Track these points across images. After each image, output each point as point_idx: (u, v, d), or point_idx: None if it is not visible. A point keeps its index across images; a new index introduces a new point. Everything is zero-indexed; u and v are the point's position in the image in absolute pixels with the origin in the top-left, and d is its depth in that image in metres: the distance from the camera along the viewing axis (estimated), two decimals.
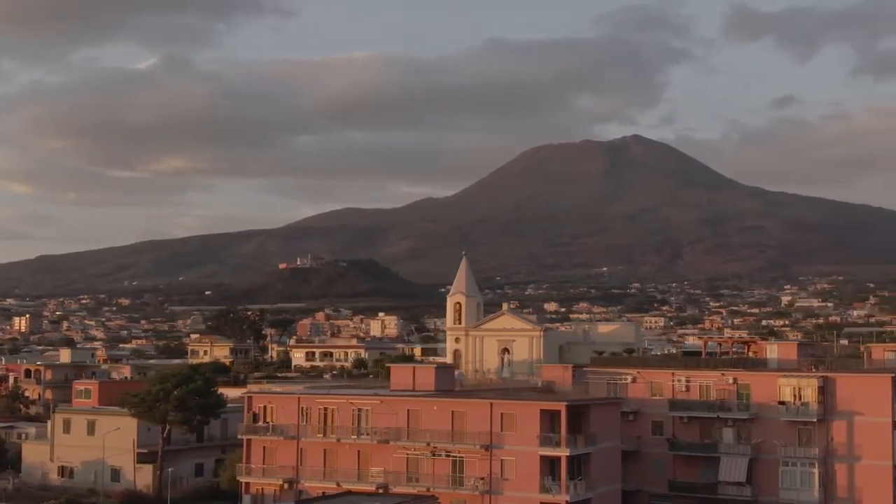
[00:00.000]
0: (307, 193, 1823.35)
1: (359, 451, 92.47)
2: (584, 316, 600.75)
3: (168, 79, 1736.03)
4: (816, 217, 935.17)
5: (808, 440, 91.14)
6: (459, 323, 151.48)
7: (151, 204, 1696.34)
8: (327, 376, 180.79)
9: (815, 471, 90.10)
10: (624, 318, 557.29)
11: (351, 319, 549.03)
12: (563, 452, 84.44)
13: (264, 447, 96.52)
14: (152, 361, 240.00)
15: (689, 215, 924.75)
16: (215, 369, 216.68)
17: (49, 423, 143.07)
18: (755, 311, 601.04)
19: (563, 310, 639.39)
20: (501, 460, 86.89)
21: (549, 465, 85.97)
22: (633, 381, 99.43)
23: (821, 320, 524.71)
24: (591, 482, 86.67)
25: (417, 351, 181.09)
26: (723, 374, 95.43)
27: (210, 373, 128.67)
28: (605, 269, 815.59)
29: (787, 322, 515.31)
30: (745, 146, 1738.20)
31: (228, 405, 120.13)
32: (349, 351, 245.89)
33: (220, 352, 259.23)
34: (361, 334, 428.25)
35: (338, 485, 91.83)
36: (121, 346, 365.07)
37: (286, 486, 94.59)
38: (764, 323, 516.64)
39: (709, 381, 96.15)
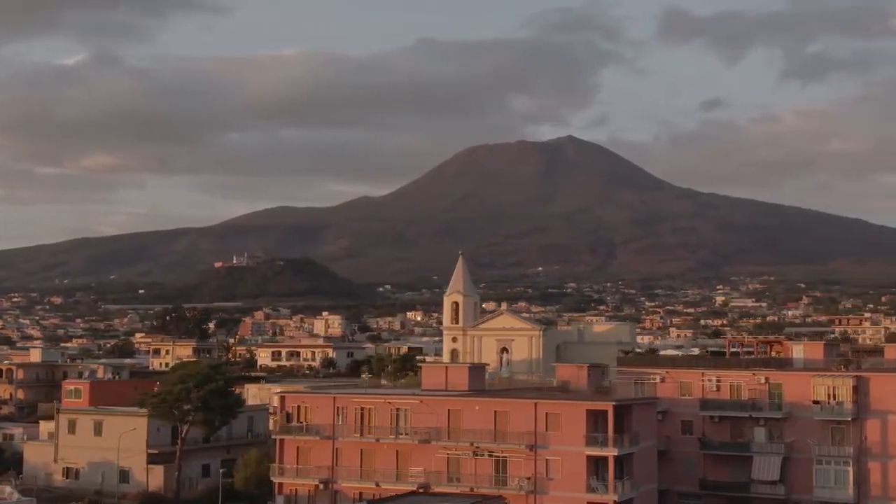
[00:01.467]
0: (239, 191, 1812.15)
1: (397, 451, 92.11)
2: (522, 315, 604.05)
3: (98, 74, 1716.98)
4: (747, 218, 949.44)
5: (841, 439, 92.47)
6: (457, 322, 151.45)
7: (81, 201, 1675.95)
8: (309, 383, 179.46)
9: (850, 469, 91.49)
10: (562, 317, 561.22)
11: (290, 319, 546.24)
12: (610, 452, 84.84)
13: (298, 447, 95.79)
14: (107, 361, 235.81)
15: (622, 216, 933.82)
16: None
17: (40, 424, 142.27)
18: (691, 310, 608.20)
19: (501, 309, 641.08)
20: (546, 460, 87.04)
21: (594, 465, 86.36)
22: (662, 380, 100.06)
23: (758, 320, 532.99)
24: (634, 482, 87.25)
25: (403, 349, 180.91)
26: (754, 374, 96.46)
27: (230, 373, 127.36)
28: (540, 268, 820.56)
29: (724, 322, 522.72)
30: (676, 148, 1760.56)
31: None
32: (316, 350, 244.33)
33: (183, 351, 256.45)
34: (305, 333, 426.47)
35: (376, 485, 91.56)
36: (62, 345, 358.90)
37: (321, 486, 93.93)
38: (703, 322, 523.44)
39: (740, 380, 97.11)
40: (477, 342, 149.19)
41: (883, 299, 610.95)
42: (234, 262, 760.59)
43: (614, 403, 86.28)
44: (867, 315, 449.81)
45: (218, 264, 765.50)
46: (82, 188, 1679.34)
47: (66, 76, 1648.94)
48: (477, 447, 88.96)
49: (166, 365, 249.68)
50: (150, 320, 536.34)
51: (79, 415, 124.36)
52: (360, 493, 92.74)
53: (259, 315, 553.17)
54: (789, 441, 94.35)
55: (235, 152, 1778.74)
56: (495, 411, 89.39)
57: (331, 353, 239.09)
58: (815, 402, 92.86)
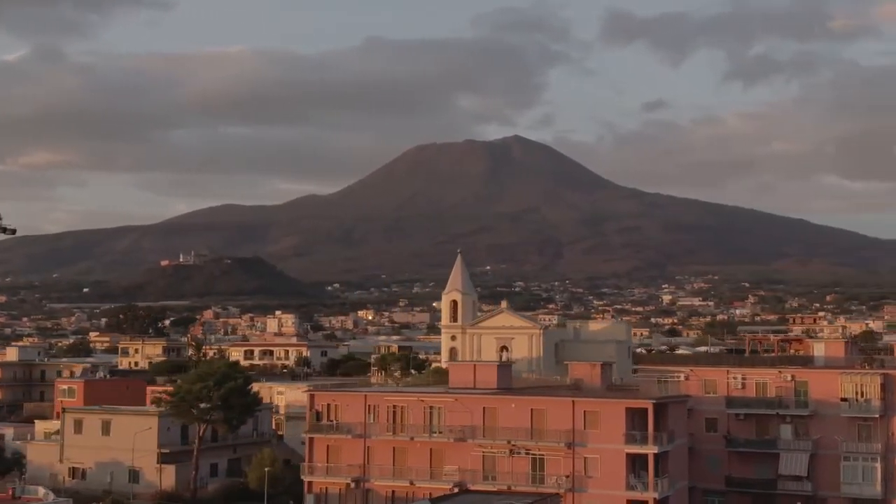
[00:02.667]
0: (183, 189, 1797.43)
1: (431, 450, 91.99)
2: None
3: (40, 70, 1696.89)
4: (691, 218, 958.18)
5: (868, 436, 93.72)
6: (455, 321, 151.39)
7: (22, 198, 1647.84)
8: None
9: (878, 465, 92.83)
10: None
11: (240, 318, 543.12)
12: (650, 450, 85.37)
13: (328, 446, 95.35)
14: (84, 360, 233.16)
15: (568, 215, 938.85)
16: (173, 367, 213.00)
17: (36, 424, 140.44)
18: (639, 309, 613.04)
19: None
20: (584, 458, 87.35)
21: (632, 463, 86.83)
22: (686, 378, 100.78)
23: (708, 318, 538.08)
24: (671, 479, 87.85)
25: (394, 349, 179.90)
26: (780, 372, 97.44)
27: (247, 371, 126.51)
28: (488, 267, 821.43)
29: (675, 320, 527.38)
30: (620, 148, 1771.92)
31: None
32: (290, 349, 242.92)
33: (153, 351, 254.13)
34: (258, 333, 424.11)
35: (411, 483, 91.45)
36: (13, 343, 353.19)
37: (352, 484, 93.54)
38: (653, 321, 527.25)
39: (765, 378, 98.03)
40: (476, 340, 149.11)
41: (828, 298, 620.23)
42: (181, 260, 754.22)
43: (654, 401, 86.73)
44: (821, 314, 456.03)
45: (164, 263, 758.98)
46: (23, 185, 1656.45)
47: (7, 72, 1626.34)
48: (513, 445, 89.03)
49: (135, 364, 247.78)
50: (97, 319, 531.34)
51: (85, 414, 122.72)
52: (393, 492, 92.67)
53: (208, 314, 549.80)
54: (815, 438, 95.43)
55: (180, 150, 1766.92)
56: (532, 409, 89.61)
57: (305, 352, 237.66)
58: (843, 400, 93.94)
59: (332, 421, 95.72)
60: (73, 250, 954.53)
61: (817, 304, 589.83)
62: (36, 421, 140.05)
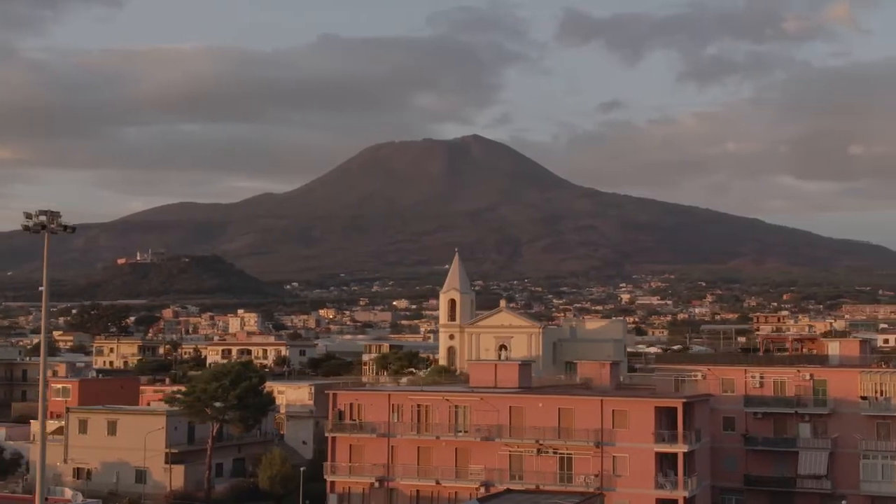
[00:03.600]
0: (139, 187, 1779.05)
1: (456, 449, 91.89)
2: (436, 313, 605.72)
3: None
4: (647, 218, 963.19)
5: (887, 434, 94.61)
6: (454, 320, 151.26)
7: None
8: None
9: None
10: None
11: (200, 316, 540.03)
12: (680, 449, 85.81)
13: (350, 445, 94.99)
14: (63, 359, 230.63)
15: (526, 214, 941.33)
16: (158, 367, 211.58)
17: (31, 424, 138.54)
18: (599, 308, 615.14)
19: (413, 307, 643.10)
20: (613, 457, 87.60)
21: (660, 462, 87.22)
22: (703, 377, 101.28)
23: (668, 317, 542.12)
24: (698, 478, 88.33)
25: (385, 348, 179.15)
26: (799, 371, 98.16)
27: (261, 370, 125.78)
28: (446, 266, 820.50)
29: (636, 319, 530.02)
30: (576, 148, 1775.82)
31: None
32: (268, 348, 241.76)
33: (128, 350, 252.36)
34: (219, 332, 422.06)
35: (437, 482, 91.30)
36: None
37: (376, 484, 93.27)
38: (613, 319, 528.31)
39: (783, 377, 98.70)
40: (475, 339, 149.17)
41: (785, 297, 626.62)
42: (139, 258, 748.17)
43: (684, 400, 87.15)
44: (784, 313, 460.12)
45: (121, 261, 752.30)
46: None
47: None
48: (541, 444, 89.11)
49: (110, 364, 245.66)
50: (55, 318, 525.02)
51: (90, 414, 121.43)
52: (418, 491, 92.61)
53: (167, 313, 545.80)
54: (834, 436, 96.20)
55: (134, 147, 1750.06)
56: (559, 408, 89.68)
57: (284, 351, 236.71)
58: (863, 398, 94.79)
59: (354, 420, 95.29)
60: (27, 248, 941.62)
61: (775, 303, 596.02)
62: (31, 421, 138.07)
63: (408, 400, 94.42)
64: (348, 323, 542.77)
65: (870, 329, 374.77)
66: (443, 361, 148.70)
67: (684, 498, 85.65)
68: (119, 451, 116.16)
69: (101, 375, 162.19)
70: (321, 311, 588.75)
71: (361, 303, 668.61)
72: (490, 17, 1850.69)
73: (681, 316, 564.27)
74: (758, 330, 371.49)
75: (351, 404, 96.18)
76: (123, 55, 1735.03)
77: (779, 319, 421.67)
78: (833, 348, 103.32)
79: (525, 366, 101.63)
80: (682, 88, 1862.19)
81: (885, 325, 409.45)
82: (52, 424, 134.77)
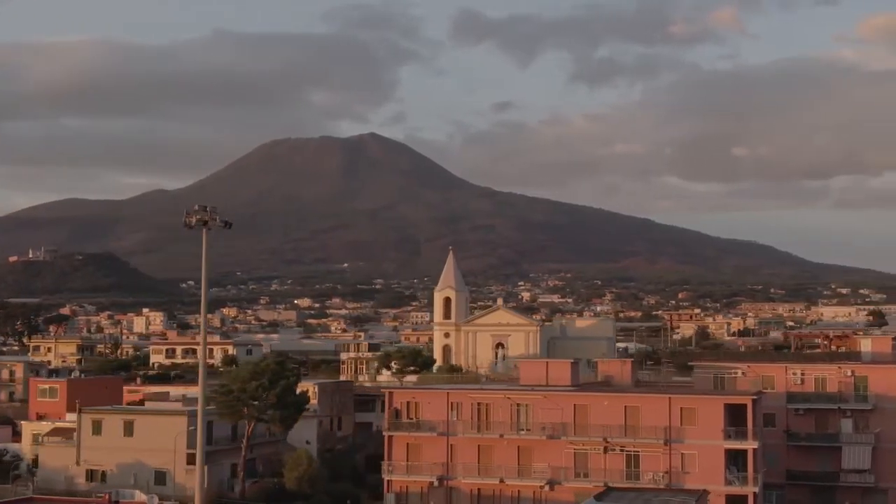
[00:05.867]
0: (22, 183, 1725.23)
1: (518, 447, 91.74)
2: (341, 311, 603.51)
3: None
4: (542, 217, 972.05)
5: None
6: (449, 318, 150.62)
7: None
8: None
9: None
10: (379, 313, 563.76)
11: (98, 315, 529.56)
12: (750, 445, 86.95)
13: (408, 444, 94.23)
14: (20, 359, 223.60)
15: (425, 213, 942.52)
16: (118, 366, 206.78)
17: (23, 425, 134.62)
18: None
19: (317, 306, 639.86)
20: (682, 454, 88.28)
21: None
22: (743, 374, 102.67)
23: (573, 315, 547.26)
24: (764, 474, 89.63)
25: (364, 347, 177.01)
26: (840, 368, 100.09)
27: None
28: (346, 265, 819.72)
29: (542, 317, 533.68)
30: (471, 147, 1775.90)
31: None
32: (215, 348, 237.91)
33: (66, 349, 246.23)
34: (125, 331, 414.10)
35: (500, 481, 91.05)
36: None
37: (436, 482, 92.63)
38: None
39: (825, 374, 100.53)
40: (472, 338, 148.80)
41: (680, 295, 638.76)
42: (31, 256, 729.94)
43: (754, 397, 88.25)
44: (697, 310, 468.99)
45: (13, 258, 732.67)
46: None
47: None
48: (608, 442, 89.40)
49: (48, 363, 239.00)
50: None
51: (105, 414, 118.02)
52: (479, 490, 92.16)
53: (65, 311, 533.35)
54: (877, 431, 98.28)
55: (19, 141, 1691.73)
56: (626, 406, 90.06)
57: (232, 350, 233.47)
58: None
59: (412, 419, 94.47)
60: None
61: (673, 302, 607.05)
62: (23, 423, 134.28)
63: (467, 398, 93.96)
64: (254, 322, 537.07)
65: (779, 327, 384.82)
66: (438, 360, 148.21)
67: (754, 493, 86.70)
68: (136, 452, 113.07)
69: (83, 375, 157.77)
70: (225, 310, 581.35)
71: (262, 301, 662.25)
72: (384, 14, 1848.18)
73: (587, 314, 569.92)
74: (677, 328, 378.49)
75: (408, 403, 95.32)
76: (9, 48, 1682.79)
77: (691, 317, 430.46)
78: (865, 345, 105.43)
79: (575, 364, 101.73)
80: (573, 90, 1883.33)
81: (792, 323, 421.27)
82: (45, 426, 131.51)
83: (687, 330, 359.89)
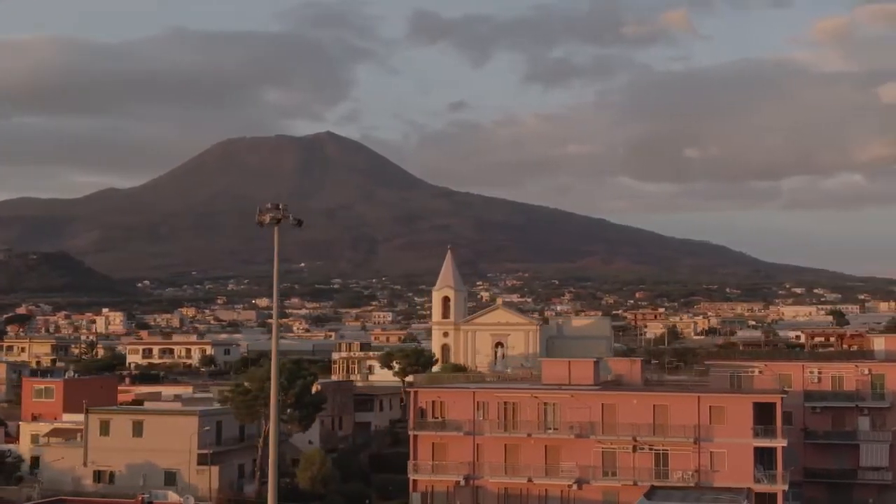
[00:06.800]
0: None
1: (546, 446, 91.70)
2: (301, 311, 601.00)
3: None
4: (499, 217, 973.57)
5: None
6: (448, 317, 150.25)
7: None
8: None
9: None
10: (338, 313, 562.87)
11: (55, 315, 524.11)
12: (780, 443, 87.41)
13: (433, 443, 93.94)
14: None
15: (382, 213, 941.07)
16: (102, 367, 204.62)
17: (20, 426, 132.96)
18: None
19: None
20: (711, 452, 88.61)
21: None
22: (760, 373, 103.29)
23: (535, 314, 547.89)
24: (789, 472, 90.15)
25: (355, 346, 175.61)
26: (857, 366, 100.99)
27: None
28: (303, 264, 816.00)
29: None
30: (427, 147, 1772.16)
31: None
32: (192, 348, 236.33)
33: (41, 349, 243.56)
34: (86, 331, 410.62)
35: (529, 480, 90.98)
36: None
37: (462, 482, 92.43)
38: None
39: (842, 372, 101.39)
40: (471, 337, 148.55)
41: (638, 295, 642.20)
42: None
43: (783, 396, 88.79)
44: (661, 310, 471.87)
45: None
46: None
47: None
48: (637, 441, 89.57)
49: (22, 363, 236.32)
50: None
51: (113, 415, 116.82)
52: (506, 489, 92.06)
53: (21, 311, 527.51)
54: (894, 429, 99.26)
55: None
56: (654, 405, 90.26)
57: (210, 350, 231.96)
58: None
59: (437, 418, 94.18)
60: None
61: (631, 301, 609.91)
62: (20, 423, 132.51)
63: (494, 397, 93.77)
64: (213, 322, 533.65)
65: (743, 326, 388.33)
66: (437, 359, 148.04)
67: (783, 491, 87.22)
68: (145, 453, 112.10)
69: (77, 375, 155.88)
70: (182, 310, 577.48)
71: (219, 301, 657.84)
72: (339, 13, 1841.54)
73: (548, 313, 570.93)
74: (645, 327, 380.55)
75: (433, 402, 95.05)
76: None
77: (655, 317, 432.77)
78: (879, 343, 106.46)
79: (597, 364, 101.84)
80: (527, 90, 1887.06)
81: (753, 323, 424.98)
82: (43, 427, 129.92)
83: (654, 329, 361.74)
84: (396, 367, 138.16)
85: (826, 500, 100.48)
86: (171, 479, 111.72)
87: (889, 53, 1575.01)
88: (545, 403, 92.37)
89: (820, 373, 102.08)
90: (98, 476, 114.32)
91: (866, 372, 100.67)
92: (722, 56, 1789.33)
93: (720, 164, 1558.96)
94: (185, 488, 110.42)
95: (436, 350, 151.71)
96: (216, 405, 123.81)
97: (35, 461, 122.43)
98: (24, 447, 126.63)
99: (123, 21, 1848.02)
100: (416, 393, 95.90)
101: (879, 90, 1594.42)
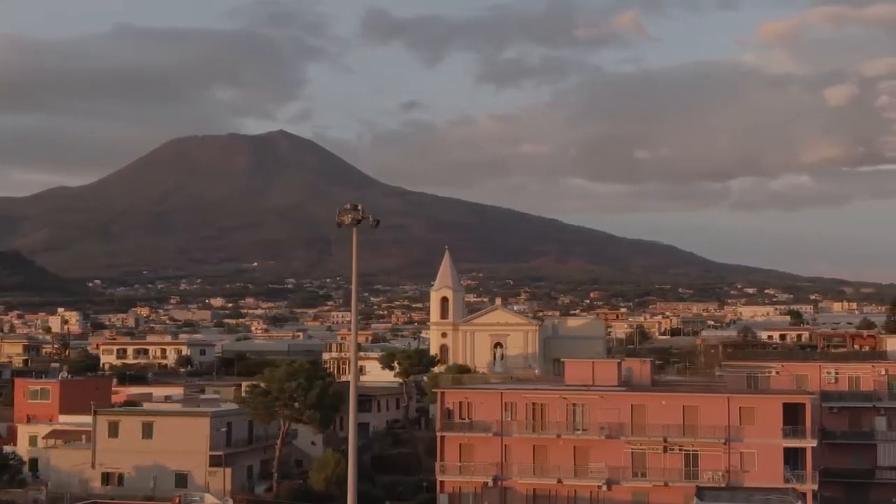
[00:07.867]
0: None
1: (574, 447, 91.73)
2: (257, 311, 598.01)
3: None
4: (453, 217, 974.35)
5: None
6: (446, 318, 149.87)
7: None
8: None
9: None
10: (294, 313, 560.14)
11: (7, 315, 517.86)
12: (809, 443, 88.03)
13: (460, 444, 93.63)
14: None
15: (335, 212, 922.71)
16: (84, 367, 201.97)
17: (19, 428, 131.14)
18: (418, 305, 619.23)
19: (230, 305, 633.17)
20: (741, 453, 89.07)
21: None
22: (777, 373, 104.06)
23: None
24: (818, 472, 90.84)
25: (346, 347, 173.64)
26: (874, 367, 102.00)
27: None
28: (255, 263, 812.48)
29: None
30: (380, 146, 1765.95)
31: None
32: (168, 348, 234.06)
33: (12, 349, 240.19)
34: (40, 331, 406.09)
35: (558, 481, 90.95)
36: None
37: (490, 483, 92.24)
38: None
39: (859, 373, 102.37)
40: (469, 337, 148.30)
41: (593, 295, 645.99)
42: None
43: (812, 396, 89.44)
44: (623, 309, 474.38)
45: None
46: None
47: None
48: (667, 442, 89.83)
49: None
50: None
51: (122, 416, 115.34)
52: (535, 490, 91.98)
53: None
54: None
55: None
56: (683, 406, 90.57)
57: (186, 351, 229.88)
58: None
59: (464, 419, 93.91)
60: None
61: (587, 301, 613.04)
62: (19, 426, 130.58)
63: (521, 398, 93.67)
64: (168, 322, 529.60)
65: (704, 326, 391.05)
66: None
67: (813, 491, 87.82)
68: (155, 455, 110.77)
69: (70, 376, 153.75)
70: (136, 310, 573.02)
71: (173, 301, 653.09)
72: (291, 11, 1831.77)
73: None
74: (610, 328, 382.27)
75: (460, 403, 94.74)
76: None
77: (617, 317, 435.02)
78: (892, 344, 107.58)
79: (620, 365, 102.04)
80: (480, 90, 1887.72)
81: (712, 323, 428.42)
82: (42, 428, 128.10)
83: (619, 329, 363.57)
84: (398, 367, 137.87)
85: (844, 500, 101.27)
86: (182, 480, 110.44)
87: (836, 56, 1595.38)
88: (574, 404, 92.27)
89: (837, 373, 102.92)
90: (106, 478, 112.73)
91: (883, 372, 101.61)
92: (673, 58, 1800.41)
93: (671, 164, 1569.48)
94: (197, 490, 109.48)
95: (434, 350, 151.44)
96: (223, 406, 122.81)
97: (34, 463, 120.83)
98: (22, 449, 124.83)
99: (70, 18, 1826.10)
100: (442, 394, 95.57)
101: (826, 92, 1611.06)
